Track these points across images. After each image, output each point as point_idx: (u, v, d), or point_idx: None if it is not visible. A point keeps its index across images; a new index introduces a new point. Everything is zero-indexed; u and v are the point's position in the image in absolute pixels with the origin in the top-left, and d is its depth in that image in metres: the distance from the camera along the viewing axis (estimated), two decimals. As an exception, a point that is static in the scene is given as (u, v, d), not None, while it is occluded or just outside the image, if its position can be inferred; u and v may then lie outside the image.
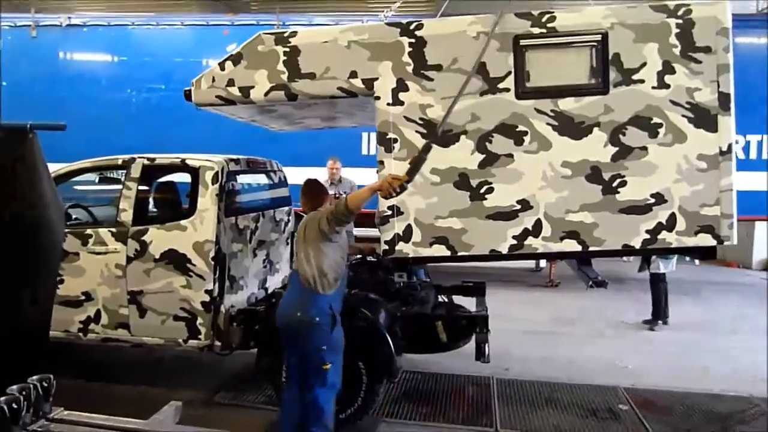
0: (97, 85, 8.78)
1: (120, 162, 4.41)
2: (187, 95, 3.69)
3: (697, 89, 3.29)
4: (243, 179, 4.87)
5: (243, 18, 9.07)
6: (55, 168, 4.48)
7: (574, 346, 5.89)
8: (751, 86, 6.39)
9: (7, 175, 2.35)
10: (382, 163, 3.50)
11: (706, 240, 3.34)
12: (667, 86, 3.30)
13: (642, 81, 3.32)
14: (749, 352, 5.55)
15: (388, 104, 3.47)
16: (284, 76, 3.54)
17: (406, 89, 3.46)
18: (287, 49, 3.55)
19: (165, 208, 4.82)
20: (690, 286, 8.41)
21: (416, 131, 3.45)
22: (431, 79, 3.44)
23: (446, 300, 4.75)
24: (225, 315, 4.10)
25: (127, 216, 4.22)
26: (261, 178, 5.29)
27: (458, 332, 4.14)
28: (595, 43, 3.33)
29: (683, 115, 3.30)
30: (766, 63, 6.98)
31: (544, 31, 3.36)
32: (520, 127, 3.40)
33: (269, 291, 4.81)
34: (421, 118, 3.45)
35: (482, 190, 3.44)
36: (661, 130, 3.32)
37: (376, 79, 3.47)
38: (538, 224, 3.42)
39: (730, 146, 3.29)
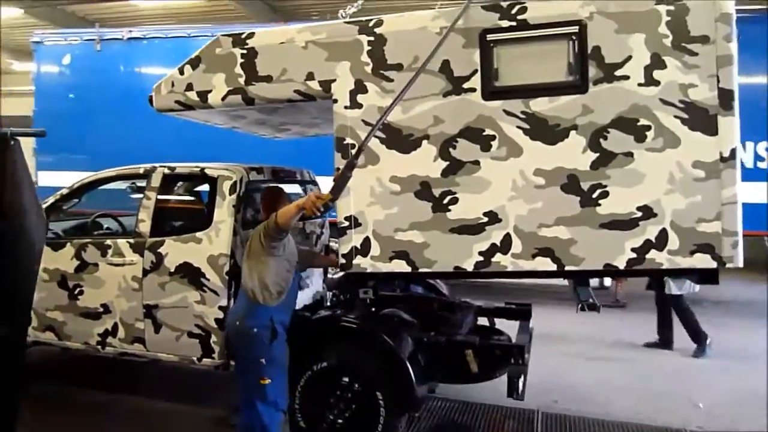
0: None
1: (142, 171, 4.28)
2: (150, 100, 3.60)
3: (693, 85, 2.83)
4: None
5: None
6: (81, 177, 4.61)
7: (638, 376, 5.20)
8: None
9: None
10: (338, 170, 3.25)
11: (704, 261, 2.85)
12: (657, 83, 2.86)
13: (626, 77, 2.89)
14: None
15: (346, 107, 3.23)
16: (241, 80, 3.38)
17: (364, 91, 3.20)
18: (244, 51, 3.39)
19: (182, 219, 4.66)
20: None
21: (375, 136, 3.17)
22: (391, 80, 3.16)
23: (487, 324, 4.31)
24: None
25: (145, 227, 4.06)
26: (290, 188, 5.01)
27: (491, 362, 3.62)
28: (572, 36, 2.94)
29: (676, 116, 2.85)
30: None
31: (513, 24, 3.01)
32: (487, 131, 3.05)
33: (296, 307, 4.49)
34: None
35: (445, 201, 3.12)
36: (650, 134, 2.88)
37: (334, 80, 3.24)
38: (507, 239, 3.05)
39: (733, 151, 2.81)
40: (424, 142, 3.13)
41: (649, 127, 2.87)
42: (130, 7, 12.37)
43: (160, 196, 4.18)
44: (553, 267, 3.01)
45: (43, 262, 4.14)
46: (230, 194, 3.85)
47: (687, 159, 2.85)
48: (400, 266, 3.18)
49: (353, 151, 3.12)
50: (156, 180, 4.15)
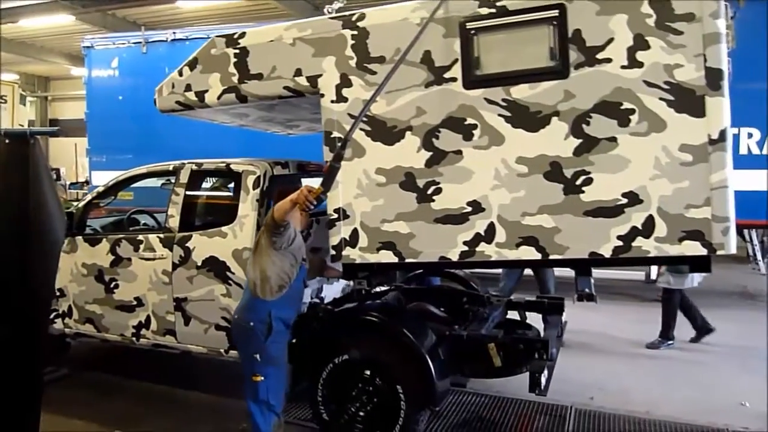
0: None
1: (171, 168, 4.40)
2: (155, 102, 3.79)
3: (678, 66, 2.71)
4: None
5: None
6: (115, 175, 4.80)
7: (683, 374, 5.00)
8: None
9: (12, 180, 2.56)
10: (327, 163, 3.32)
11: (693, 248, 2.74)
12: (640, 64, 2.76)
13: (608, 60, 2.80)
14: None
15: (332, 101, 3.29)
16: (235, 78, 3.50)
17: (349, 85, 3.25)
18: (237, 51, 3.50)
19: (209, 214, 4.76)
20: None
21: (361, 129, 3.23)
22: (374, 73, 3.19)
23: (519, 317, 4.25)
24: None
25: (174, 222, 4.18)
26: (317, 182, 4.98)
27: (515, 357, 3.51)
28: (552, 20, 2.87)
29: (661, 98, 2.74)
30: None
31: (493, 11, 2.97)
32: (469, 120, 3.04)
33: (325, 301, 4.42)
34: (365, 115, 3.21)
35: (429, 191, 3.13)
36: (634, 117, 2.78)
37: (320, 75, 3.30)
38: (491, 228, 3.03)
39: (722, 133, 2.67)
40: (408, 133, 3.15)
41: (633, 111, 2.78)
42: (175, 10, 12.86)
43: (188, 192, 4.27)
44: (538, 256, 2.96)
45: (82, 257, 4.49)
46: (254, 189, 3.90)
47: (673, 142, 2.73)
48: (388, 257, 3.22)
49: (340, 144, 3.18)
50: (184, 176, 4.25)
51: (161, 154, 5.45)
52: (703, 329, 5.77)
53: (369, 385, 3.43)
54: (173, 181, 4.36)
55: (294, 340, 3.63)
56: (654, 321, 5.88)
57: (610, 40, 2.79)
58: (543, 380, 3.38)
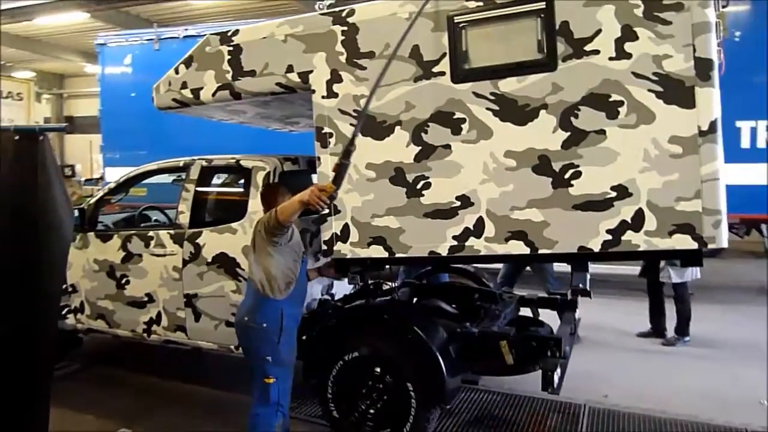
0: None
1: (181, 164, 4.41)
2: (153, 99, 3.84)
3: (667, 56, 2.66)
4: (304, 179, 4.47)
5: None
6: (128, 171, 4.81)
7: (698, 371, 4.87)
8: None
9: (22, 174, 2.55)
10: (319, 159, 3.35)
11: (684, 242, 2.70)
12: (628, 56, 2.72)
13: (596, 52, 2.77)
14: None
15: (323, 97, 3.30)
16: (229, 75, 3.53)
17: (340, 80, 3.26)
18: (231, 48, 3.53)
19: (218, 210, 4.70)
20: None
21: (351, 124, 3.23)
22: (364, 68, 3.20)
23: (531, 314, 4.22)
24: None
25: (184, 218, 4.17)
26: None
27: (527, 354, 3.47)
28: (540, 12, 2.84)
29: (650, 90, 2.70)
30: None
31: (480, 4, 2.95)
32: (458, 114, 3.03)
33: (335, 297, 4.39)
34: (355, 110, 3.22)
35: (419, 186, 3.14)
36: (622, 110, 2.75)
37: (311, 71, 3.32)
38: (480, 223, 3.03)
39: (713, 124, 2.62)
40: (397, 128, 3.15)
41: (621, 103, 2.74)
42: (188, 7, 12.97)
43: (198, 188, 4.25)
44: (527, 251, 2.95)
45: (94, 253, 4.52)
46: (263, 184, 3.86)
47: (663, 134, 2.69)
48: (378, 252, 3.24)
49: (333, 142, 3.19)
50: (194, 172, 4.23)
51: (174, 150, 5.48)
52: (682, 329, 5.66)
53: (379, 382, 3.42)
54: (183, 177, 4.36)
55: (304, 337, 3.64)
56: (671, 318, 5.78)
57: (598, 32, 2.75)
58: (556, 378, 3.32)
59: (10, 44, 15.51)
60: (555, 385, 3.30)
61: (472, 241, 3.05)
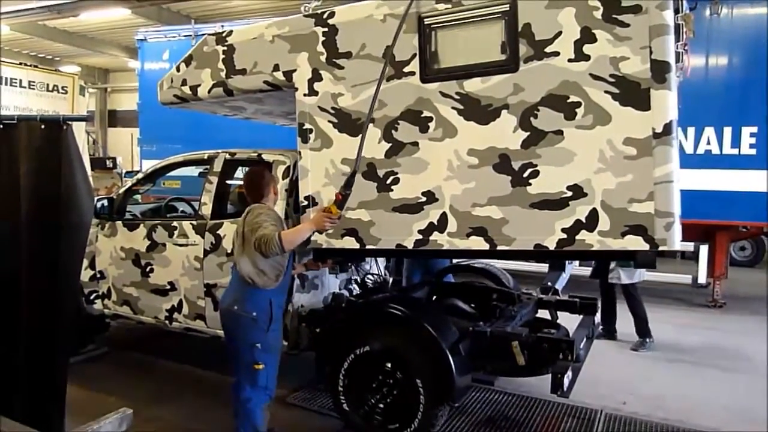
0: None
1: (206, 156, 4.50)
2: (158, 95, 4.11)
3: (624, 58, 2.70)
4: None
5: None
6: (153, 163, 5.10)
7: (724, 381, 4.79)
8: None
9: (46, 162, 2.81)
10: (300, 154, 3.52)
11: (635, 243, 2.74)
12: (587, 57, 2.77)
13: (556, 53, 2.82)
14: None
15: (305, 95, 3.47)
16: (222, 74, 3.75)
17: (320, 79, 3.42)
18: (225, 48, 3.74)
19: (240, 202, 4.71)
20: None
21: (329, 121, 3.40)
22: (342, 68, 3.35)
23: (550, 317, 4.19)
24: (293, 314, 3.91)
25: (207, 209, 4.27)
26: None
27: (539, 356, 3.43)
28: (503, 14, 2.92)
29: (606, 91, 2.74)
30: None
31: (449, 6, 3.05)
32: (425, 113, 3.14)
33: (354, 292, 4.50)
34: (333, 108, 3.38)
35: (388, 181, 3.27)
36: (579, 111, 2.80)
37: (295, 70, 3.49)
38: (443, 218, 3.14)
39: (667, 126, 2.65)
40: (370, 125, 3.28)
41: (579, 104, 2.80)
42: (227, 4, 13.42)
43: (221, 180, 4.36)
44: (486, 246, 3.04)
45: (121, 241, 4.75)
46: (283, 178, 3.97)
47: (618, 136, 2.73)
48: (351, 243, 3.39)
49: (312, 138, 3.36)
50: (218, 165, 4.34)
51: (208, 144, 5.67)
52: (644, 330, 5.60)
53: (389, 377, 3.49)
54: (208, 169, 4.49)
55: (318, 330, 3.79)
56: (699, 326, 5.69)
57: (558, 34, 2.81)
58: (566, 381, 3.32)
59: (57, 39, 16.39)
60: (565, 388, 3.30)
61: (435, 236, 3.16)
